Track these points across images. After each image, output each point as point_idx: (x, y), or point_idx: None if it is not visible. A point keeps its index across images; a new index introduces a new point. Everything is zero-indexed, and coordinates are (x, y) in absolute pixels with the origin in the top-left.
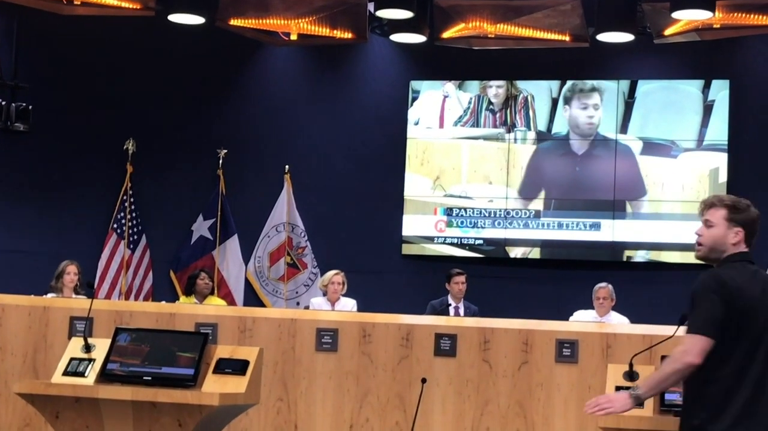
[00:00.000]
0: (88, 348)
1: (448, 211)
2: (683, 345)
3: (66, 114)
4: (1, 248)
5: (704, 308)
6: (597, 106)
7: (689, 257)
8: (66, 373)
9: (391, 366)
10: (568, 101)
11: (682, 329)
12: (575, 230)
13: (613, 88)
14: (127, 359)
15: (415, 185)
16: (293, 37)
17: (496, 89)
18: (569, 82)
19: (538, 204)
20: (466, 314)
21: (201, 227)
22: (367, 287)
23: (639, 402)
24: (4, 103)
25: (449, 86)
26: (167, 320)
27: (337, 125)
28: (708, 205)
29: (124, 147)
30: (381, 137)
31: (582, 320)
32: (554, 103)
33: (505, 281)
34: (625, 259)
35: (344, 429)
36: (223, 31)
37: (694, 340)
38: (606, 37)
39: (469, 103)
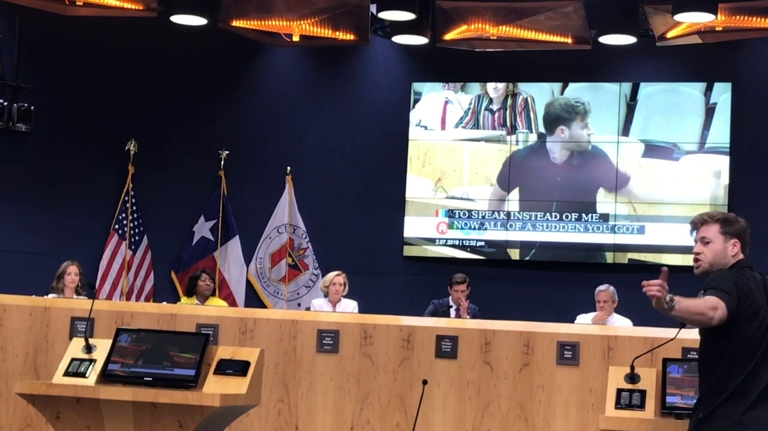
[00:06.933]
0: (89, 348)
1: (450, 213)
2: (714, 302)
3: (68, 115)
4: (3, 248)
5: (726, 286)
6: (588, 123)
7: (691, 260)
8: (67, 373)
9: (392, 367)
10: (563, 122)
11: (684, 332)
12: (577, 233)
13: (615, 91)
14: (128, 359)
15: (416, 186)
16: (295, 38)
17: (495, 84)
18: (561, 103)
19: (539, 206)
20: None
21: (202, 228)
22: (369, 289)
23: (669, 308)
24: (6, 103)
25: (449, 92)
26: (168, 321)
27: (339, 126)
28: (700, 222)
29: (126, 148)
30: (382, 139)
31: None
32: None
33: (507, 282)
34: (626, 261)
35: (345, 430)
36: (225, 32)
37: (721, 305)
38: (608, 39)
39: (470, 104)
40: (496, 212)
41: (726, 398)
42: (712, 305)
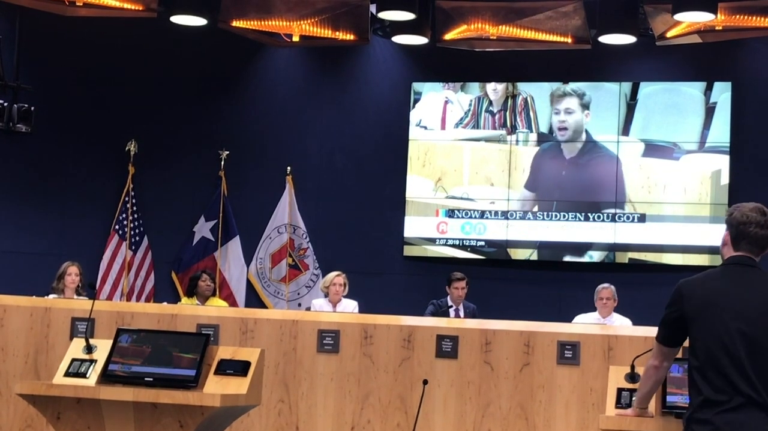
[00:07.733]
0: (89, 348)
1: (450, 212)
2: (649, 361)
3: (68, 115)
4: (3, 248)
5: (663, 315)
6: (570, 110)
7: (691, 259)
8: (67, 374)
9: (393, 367)
10: (558, 101)
11: None
12: (577, 232)
13: (615, 90)
14: (129, 360)
15: (416, 186)
16: (295, 38)
17: (495, 85)
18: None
19: (540, 206)
20: (465, 313)
21: (203, 229)
22: (369, 289)
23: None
24: (6, 104)
25: (449, 92)
26: (169, 321)
27: (339, 126)
28: None
29: (126, 148)
30: (382, 139)
31: (584, 323)
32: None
33: (507, 282)
34: (627, 261)
35: (345, 430)
36: (225, 32)
37: (653, 346)
38: (608, 39)
39: (470, 105)
40: (495, 213)
41: (699, 405)
42: (646, 366)
